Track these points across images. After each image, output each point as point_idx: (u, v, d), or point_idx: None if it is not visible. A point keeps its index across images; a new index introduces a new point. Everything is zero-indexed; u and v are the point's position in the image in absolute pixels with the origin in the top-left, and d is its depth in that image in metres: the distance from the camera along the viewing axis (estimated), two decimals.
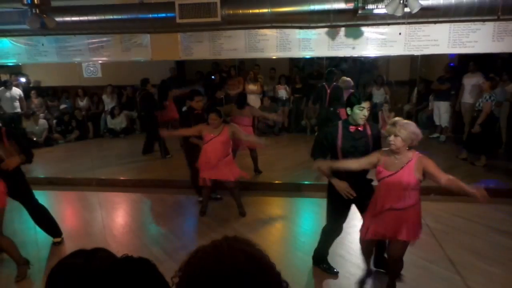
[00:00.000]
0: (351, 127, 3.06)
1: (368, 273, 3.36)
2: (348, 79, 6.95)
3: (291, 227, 4.63)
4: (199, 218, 4.72)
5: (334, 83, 6.38)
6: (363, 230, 3.02)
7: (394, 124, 2.71)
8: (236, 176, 4.56)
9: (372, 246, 3.23)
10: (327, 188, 3.29)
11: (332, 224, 3.38)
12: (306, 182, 5.64)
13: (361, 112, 2.97)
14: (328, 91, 6.31)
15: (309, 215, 4.93)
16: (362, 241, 3.16)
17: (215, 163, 4.41)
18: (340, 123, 3.16)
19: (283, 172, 6.04)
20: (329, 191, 3.26)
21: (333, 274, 3.46)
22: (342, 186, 3.04)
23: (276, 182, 5.70)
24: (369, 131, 3.10)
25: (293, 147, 7.67)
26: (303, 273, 3.49)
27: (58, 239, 4.10)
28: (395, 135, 2.68)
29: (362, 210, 3.21)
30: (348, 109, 3.05)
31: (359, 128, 3.06)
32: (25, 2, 4.61)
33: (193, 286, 0.82)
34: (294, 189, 5.52)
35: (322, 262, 3.52)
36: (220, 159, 4.43)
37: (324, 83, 6.48)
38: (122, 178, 6.09)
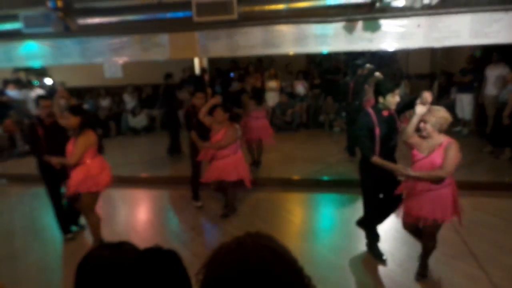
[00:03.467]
0: (383, 112, 3.28)
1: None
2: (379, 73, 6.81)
3: (310, 223, 4.64)
4: (218, 213, 4.77)
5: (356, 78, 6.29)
6: (404, 215, 3.14)
7: (428, 111, 2.89)
8: (239, 177, 4.42)
9: (414, 231, 3.29)
10: (361, 180, 3.51)
11: (370, 209, 3.56)
12: (325, 178, 5.63)
13: (393, 99, 3.23)
14: (351, 85, 6.24)
15: (328, 210, 4.92)
16: (405, 227, 3.27)
17: (217, 158, 4.35)
18: (371, 110, 3.32)
19: (301, 168, 6.04)
20: (362, 182, 3.49)
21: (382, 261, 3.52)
22: (399, 167, 3.13)
23: (295, 178, 5.71)
24: (394, 113, 3.34)
25: (311, 142, 7.64)
26: (323, 268, 3.50)
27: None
28: (425, 122, 2.87)
29: (388, 200, 3.40)
30: (380, 97, 3.26)
31: (391, 111, 3.31)
32: (50, 6, 4.78)
33: (219, 282, 0.82)
34: (313, 185, 5.52)
35: (373, 251, 3.63)
36: (223, 157, 4.34)
37: (346, 78, 6.42)
38: (143, 175, 6.24)
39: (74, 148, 3.58)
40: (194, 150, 4.71)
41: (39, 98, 4.09)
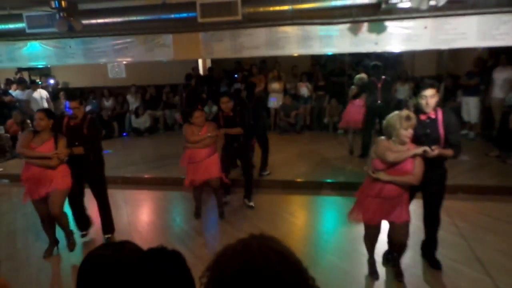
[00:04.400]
0: (421, 115, 3.12)
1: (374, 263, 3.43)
2: (363, 75, 6.72)
3: (313, 225, 4.59)
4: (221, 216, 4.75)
5: (383, 77, 6.21)
6: (365, 215, 3.14)
7: (409, 117, 2.83)
8: (219, 174, 4.53)
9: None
10: None
11: None
12: (328, 181, 5.58)
13: (423, 101, 3.04)
14: (379, 85, 6.16)
15: (331, 213, 4.87)
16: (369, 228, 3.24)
17: (199, 162, 4.40)
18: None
19: (305, 170, 6.00)
20: None
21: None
22: (367, 168, 3.14)
23: (298, 180, 5.67)
24: (440, 118, 3.11)
25: (315, 145, 7.60)
26: (326, 271, 3.46)
27: (108, 235, 4.27)
28: (411, 129, 2.86)
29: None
30: (415, 98, 3.18)
31: (431, 116, 3.11)
32: (53, 6, 4.77)
33: (225, 284, 0.82)
34: (316, 188, 5.47)
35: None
36: (204, 158, 4.41)
37: (372, 78, 6.29)
38: (146, 176, 6.22)
39: (61, 147, 3.68)
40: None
41: (67, 98, 4.22)
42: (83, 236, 4.28)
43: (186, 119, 5.68)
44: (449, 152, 3.02)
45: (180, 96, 7.75)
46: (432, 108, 3.07)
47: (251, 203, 4.95)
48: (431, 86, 3.05)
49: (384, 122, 2.97)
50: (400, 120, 2.82)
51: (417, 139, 3.01)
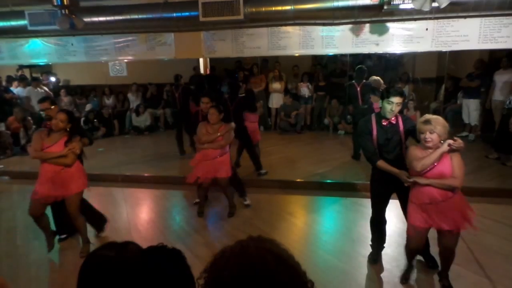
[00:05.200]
0: (383, 120, 3.16)
1: (411, 268, 3.35)
2: (378, 78, 6.74)
3: (313, 226, 4.59)
4: (221, 215, 4.75)
5: (364, 81, 6.23)
6: (410, 218, 3.00)
7: (428, 121, 2.75)
8: (228, 174, 4.51)
9: (423, 238, 3.12)
10: (371, 179, 3.44)
11: (374, 212, 3.49)
12: (328, 181, 5.59)
13: (388, 106, 3.07)
14: (358, 88, 6.19)
15: (332, 214, 4.88)
16: (412, 231, 3.07)
17: (210, 160, 4.41)
18: (373, 116, 3.25)
19: (305, 170, 6.00)
20: (372, 181, 3.43)
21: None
22: (402, 173, 3.04)
23: (298, 180, 5.67)
24: (401, 125, 3.15)
25: (315, 145, 7.61)
26: (325, 272, 3.46)
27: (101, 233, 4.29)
28: (431, 132, 2.73)
29: (403, 201, 3.26)
30: (381, 102, 3.17)
31: (392, 121, 3.14)
32: (55, 3, 4.77)
33: (222, 287, 0.82)
34: (316, 188, 5.48)
35: (371, 254, 3.59)
36: (216, 156, 4.43)
37: (353, 81, 6.35)
38: (146, 174, 6.22)
39: (74, 142, 3.64)
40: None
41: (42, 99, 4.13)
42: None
43: (180, 119, 5.70)
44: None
45: (172, 97, 7.69)
46: (393, 115, 3.11)
47: (247, 202, 4.95)
48: (400, 94, 3.08)
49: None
50: (419, 125, 2.79)
51: (380, 144, 3.15)
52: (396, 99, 3.04)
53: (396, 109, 3.08)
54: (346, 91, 6.56)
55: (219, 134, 4.38)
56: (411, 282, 3.28)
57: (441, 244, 3.06)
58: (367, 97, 5.93)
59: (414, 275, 3.36)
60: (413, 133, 3.06)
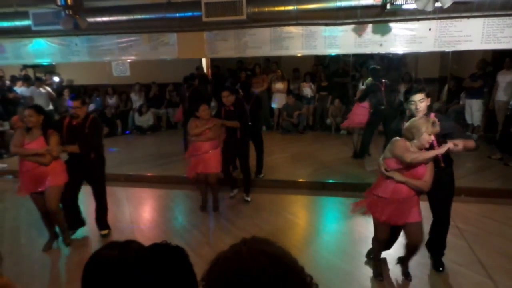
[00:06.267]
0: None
1: (380, 262, 3.42)
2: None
3: (315, 226, 4.60)
4: (222, 214, 4.77)
5: (383, 80, 6.02)
6: (371, 209, 3.12)
7: (434, 123, 2.78)
8: (218, 170, 4.71)
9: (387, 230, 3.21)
10: None
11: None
12: (330, 181, 5.58)
13: (412, 106, 3.06)
14: (382, 88, 5.95)
15: (334, 214, 4.88)
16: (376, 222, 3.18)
17: (201, 154, 4.60)
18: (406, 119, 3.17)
19: (307, 170, 6.01)
20: None
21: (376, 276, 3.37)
22: (380, 165, 3.07)
23: (300, 180, 5.68)
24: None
25: (317, 145, 7.60)
26: (327, 272, 3.46)
27: (105, 232, 4.29)
28: (434, 134, 2.80)
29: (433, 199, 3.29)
30: (405, 104, 3.18)
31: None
32: (59, 3, 4.79)
33: None
34: (318, 188, 5.48)
35: (374, 259, 3.55)
36: (207, 151, 4.61)
37: (375, 82, 6.06)
38: (149, 174, 6.24)
39: (54, 144, 3.72)
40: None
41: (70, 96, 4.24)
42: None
43: (188, 118, 5.67)
44: (470, 143, 2.97)
45: (183, 96, 7.73)
46: (423, 112, 3.05)
47: (248, 198, 5.10)
48: (419, 91, 3.06)
49: (407, 124, 2.89)
50: (427, 124, 2.77)
51: None
52: (416, 97, 3.03)
53: (421, 105, 3.03)
54: (346, 91, 6.48)
55: (206, 126, 4.55)
56: (409, 279, 3.27)
57: (407, 237, 3.15)
58: (393, 97, 5.85)
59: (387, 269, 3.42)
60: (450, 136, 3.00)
